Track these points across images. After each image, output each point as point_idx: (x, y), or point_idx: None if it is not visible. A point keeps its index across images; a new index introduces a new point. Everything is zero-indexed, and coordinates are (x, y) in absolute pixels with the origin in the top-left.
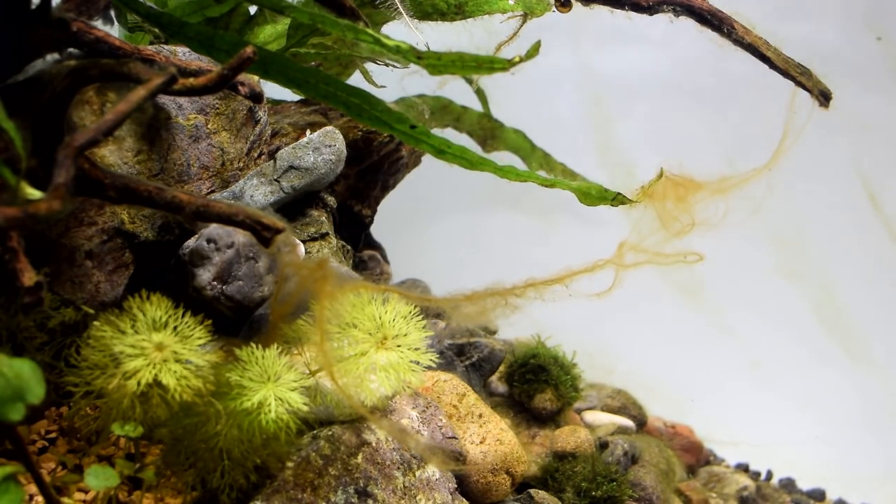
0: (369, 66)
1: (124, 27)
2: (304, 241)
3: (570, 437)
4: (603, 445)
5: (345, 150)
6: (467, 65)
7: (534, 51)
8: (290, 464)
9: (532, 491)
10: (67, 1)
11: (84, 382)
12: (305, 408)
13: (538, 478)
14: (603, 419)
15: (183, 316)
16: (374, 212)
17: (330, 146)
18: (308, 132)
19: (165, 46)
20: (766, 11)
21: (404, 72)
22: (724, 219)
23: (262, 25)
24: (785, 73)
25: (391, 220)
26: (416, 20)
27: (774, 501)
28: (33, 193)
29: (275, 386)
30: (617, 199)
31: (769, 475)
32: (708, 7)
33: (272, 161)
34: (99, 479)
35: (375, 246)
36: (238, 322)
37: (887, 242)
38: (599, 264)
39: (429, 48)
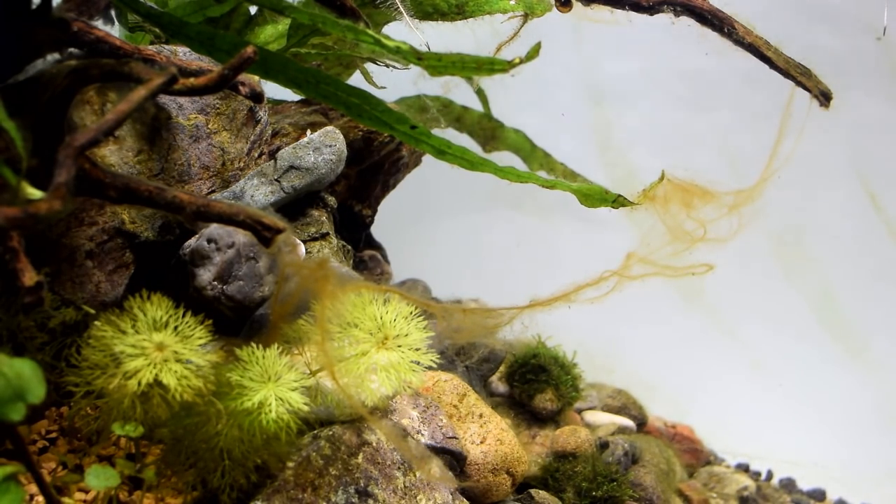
0: (370, 66)
1: (125, 27)
2: (304, 241)
3: (570, 437)
4: (603, 445)
5: (345, 150)
6: (467, 66)
7: (534, 52)
8: (290, 464)
9: (532, 491)
10: (68, 1)
11: (84, 382)
12: (306, 408)
13: (538, 478)
14: (603, 419)
15: (183, 316)
16: (375, 212)
17: (330, 146)
18: (308, 132)
19: (166, 46)
20: (767, 12)
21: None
22: (735, 232)
23: (263, 25)
24: (785, 74)
25: (391, 220)
26: (416, 20)
27: (775, 501)
28: (34, 193)
29: (275, 386)
30: (618, 202)
31: (769, 475)
32: (708, 7)
33: (273, 161)
34: (99, 478)
35: (376, 246)
36: (238, 322)
37: (887, 242)
38: (605, 276)
39: (429, 49)
